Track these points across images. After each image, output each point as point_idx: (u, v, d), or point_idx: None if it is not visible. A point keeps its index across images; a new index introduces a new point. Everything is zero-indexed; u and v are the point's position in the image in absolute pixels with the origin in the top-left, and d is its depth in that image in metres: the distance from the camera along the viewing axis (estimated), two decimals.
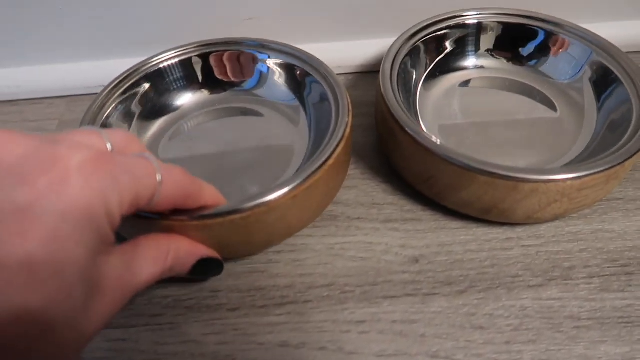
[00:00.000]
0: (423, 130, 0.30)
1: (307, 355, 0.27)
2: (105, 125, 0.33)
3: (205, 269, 0.27)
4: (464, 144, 0.34)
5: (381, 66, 0.34)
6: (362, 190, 0.34)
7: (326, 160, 0.28)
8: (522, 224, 0.32)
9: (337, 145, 0.29)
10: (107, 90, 0.34)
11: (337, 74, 0.34)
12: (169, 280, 0.29)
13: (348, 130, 0.30)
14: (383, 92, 0.32)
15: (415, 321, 0.28)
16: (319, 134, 0.33)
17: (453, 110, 0.36)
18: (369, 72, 0.43)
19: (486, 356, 0.26)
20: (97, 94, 0.38)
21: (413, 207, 0.33)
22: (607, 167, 0.27)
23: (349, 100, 0.32)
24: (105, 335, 0.28)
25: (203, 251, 0.27)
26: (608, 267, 0.30)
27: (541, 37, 0.37)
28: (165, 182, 0.22)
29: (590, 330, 0.27)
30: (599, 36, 0.35)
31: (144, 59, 0.38)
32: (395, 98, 0.32)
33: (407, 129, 0.30)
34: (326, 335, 0.27)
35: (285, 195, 0.27)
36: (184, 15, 0.39)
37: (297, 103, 0.36)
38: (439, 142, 0.32)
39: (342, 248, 0.31)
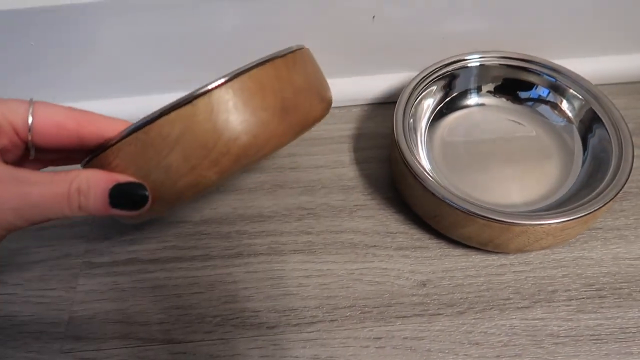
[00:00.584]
0: (430, 177, 0.35)
1: None
2: None
3: (126, 195, 0.26)
4: (468, 179, 0.39)
5: (394, 113, 0.39)
6: (378, 220, 0.40)
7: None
8: (514, 253, 0.37)
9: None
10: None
11: (353, 105, 0.39)
12: (216, 300, 0.35)
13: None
14: (396, 139, 0.37)
15: (422, 338, 0.34)
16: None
17: (457, 147, 0.41)
18: (382, 104, 0.47)
19: None
20: None
21: (422, 236, 0.39)
22: (585, 213, 0.33)
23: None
24: (167, 349, 0.34)
25: (118, 177, 0.26)
26: (585, 291, 0.35)
27: (540, 82, 0.42)
28: (37, 105, 0.27)
29: (566, 346, 0.33)
30: (592, 84, 0.40)
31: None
32: (407, 143, 0.37)
33: (417, 176, 0.35)
34: (350, 349, 0.34)
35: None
36: (197, 60, 0.43)
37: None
38: (445, 182, 0.38)
39: (361, 273, 0.37)
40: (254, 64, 0.27)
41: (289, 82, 0.28)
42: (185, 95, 0.25)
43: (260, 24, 0.41)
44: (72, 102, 0.29)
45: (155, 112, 0.25)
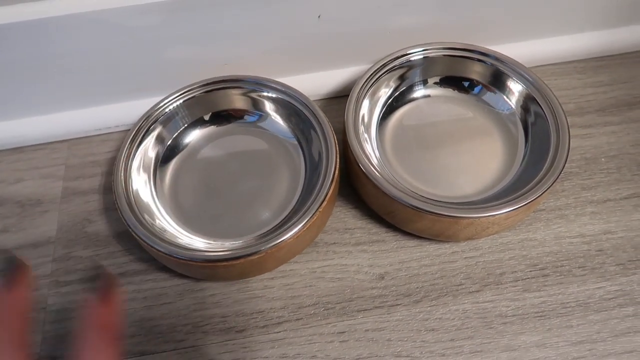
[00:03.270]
0: (382, 176, 0.37)
1: None
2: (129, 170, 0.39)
3: None
4: (420, 173, 0.41)
5: (345, 112, 0.40)
6: (336, 217, 0.41)
7: (322, 203, 0.35)
8: (465, 241, 0.40)
9: (329, 188, 0.36)
10: (130, 137, 0.40)
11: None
12: (185, 309, 0.36)
13: (337, 172, 0.37)
14: (348, 139, 0.38)
15: (383, 329, 0.36)
16: (313, 166, 0.40)
17: (408, 140, 0.42)
18: (335, 98, 0.48)
19: (436, 352, 0.35)
20: (94, 135, 0.45)
21: (378, 229, 0.40)
22: (526, 202, 0.35)
23: (336, 142, 0.38)
24: None
25: None
26: (530, 271, 0.38)
27: (483, 71, 0.43)
28: None
29: (513, 324, 0.36)
30: (533, 72, 0.41)
31: (134, 102, 0.44)
32: (359, 142, 0.38)
33: (369, 175, 0.36)
34: (315, 345, 0.36)
35: (292, 236, 0.34)
36: (167, 64, 0.43)
37: (295, 141, 0.43)
38: (397, 177, 0.39)
39: (322, 271, 0.39)
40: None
41: None
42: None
43: (210, 27, 0.41)
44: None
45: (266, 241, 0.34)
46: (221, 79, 0.42)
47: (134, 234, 0.36)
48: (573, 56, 0.49)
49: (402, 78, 0.44)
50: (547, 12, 0.46)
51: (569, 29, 0.48)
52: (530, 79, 0.41)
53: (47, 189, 0.44)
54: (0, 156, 0.47)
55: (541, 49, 0.48)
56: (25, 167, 0.46)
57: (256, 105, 0.43)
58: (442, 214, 0.35)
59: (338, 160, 0.38)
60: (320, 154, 0.39)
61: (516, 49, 0.46)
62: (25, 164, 0.46)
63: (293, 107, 0.42)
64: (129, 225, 0.36)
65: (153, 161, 0.41)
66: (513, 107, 0.43)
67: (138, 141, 0.40)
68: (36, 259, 0.40)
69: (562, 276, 0.38)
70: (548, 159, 0.37)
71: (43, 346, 0.36)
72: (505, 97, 0.43)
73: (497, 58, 0.43)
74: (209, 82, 0.42)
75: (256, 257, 0.34)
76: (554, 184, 0.36)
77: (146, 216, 0.38)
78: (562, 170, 0.36)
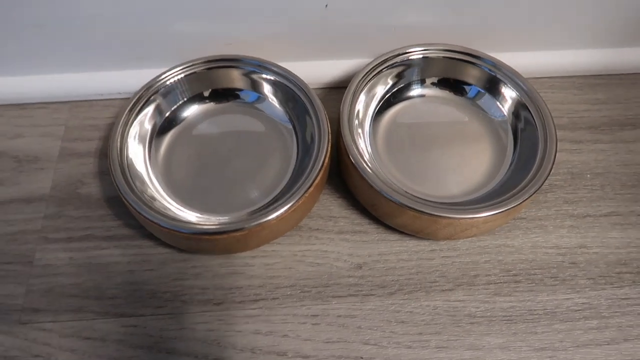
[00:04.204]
0: (370, 168, 0.38)
1: (274, 340, 0.36)
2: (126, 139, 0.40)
3: None
4: (408, 170, 0.42)
5: (341, 104, 0.40)
6: (322, 204, 0.42)
7: (308, 188, 0.36)
8: (444, 240, 0.41)
9: (318, 174, 0.37)
10: (130, 105, 0.41)
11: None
12: (167, 277, 0.38)
13: (327, 159, 0.38)
14: (341, 129, 0.39)
15: (354, 316, 0.37)
16: (305, 151, 0.41)
17: (401, 137, 0.43)
18: (334, 88, 0.49)
19: (403, 343, 0.36)
20: (96, 100, 0.46)
21: (362, 220, 0.42)
22: (505, 209, 0.36)
23: (329, 131, 0.39)
24: (120, 322, 0.37)
25: None
26: (503, 276, 0.39)
27: (481, 76, 0.44)
28: None
29: (480, 325, 0.37)
30: (528, 81, 0.42)
31: (137, 71, 0.45)
32: (351, 134, 0.39)
33: (357, 166, 0.37)
34: (288, 325, 0.37)
35: (276, 217, 0.35)
36: (173, 37, 0.44)
37: (289, 125, 0.43)
38: (386, 172, 0.40)
39: (303, 255, 0.40)
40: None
41: None
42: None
43: (219, 4, 0.41)
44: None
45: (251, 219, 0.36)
46: (223, 57, 0.43)
47: (124, 200, 0.37)
48: (573, 71, 0.50)
49: (400, 75, 0.45)
50: (551, 25, 0.46)
51: (572, 44, 0.48)
52: (525, 88, 0.42)
53: (45, 147, 0.45)
54: (2, 110, 0.47)
55: (542, 61, 0.49)
56: (26, 123, 0.46)
57: (255, 86, 0.44)
58: (422, 211, 0.36)
59: (329, 148, 0.39)
60: (312, 141, 0.40)
61: (517, 59, 0.46)
62: (26, 120, 0.47)
63: (291, 92, 0.42)
64: (120, 191, 0.37)
65: (150, 131, 0.42)
66: (505, 114, 0.43)
67: (137, 110, 0.41)
68: (28, 214, 0.41)
69: (534, 284, 0.39)
70: (533, 169, 0.38)
71: (27, 298, 0.38)
72: (499, 103, 0.44)
73: (495, 65, 0.43)
74: (211, 59, 0.43)
75: (240, 233, 0.35)
76: (535, 194, 0.37)
77: (138, 184, 0.39)
78: (544, 182, 0.37)
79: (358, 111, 0.42)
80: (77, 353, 0.36)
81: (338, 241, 0.41)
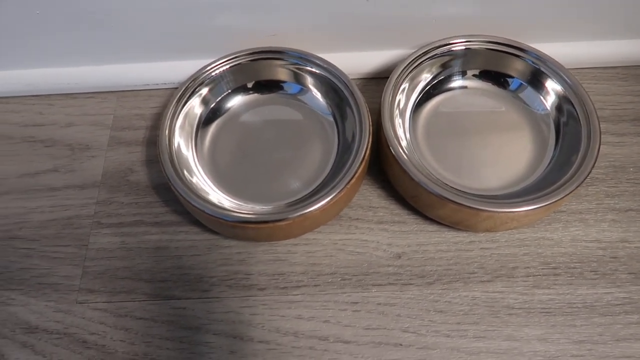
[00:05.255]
0: (411, 160, 0.38)
1: (316, 326, 0.38)
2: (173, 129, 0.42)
3: None
4: (448, 162, 0.42)
5: (382, 96, 0.41)
6: (362, 194, 0.43)
7: (350, 180, 0.37)
8: (483, 232, 0.41)
9: (359, 166, 0.38)
10: (177, 96, 0.42)
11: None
12: (213, 263, 0.39)
13: (368, 152, 0.39)
14: (382, 121, 0.40)
15: (394, 304, 0.38)
16: (346, 143, 0.42)
17: (441, 129, 0.44)
18: (373, 79, 0.49)
19: (442, 332, 0.37)
20: (142, 90, 0.47)
21: (401, 211, 0.42)
22: (547, 203, 0.36)
23: (370, 123, 0.40)
24: (169, 304, 0.39)
25: None
26: (542, 269, 0.39)
27: (524, 69, 0.44)
28: None
29: (519, 317, 0.38)
30: (572, 75, 0.42)
31: (181, 62, 0.46)
32: (392, 125, 0.40)
33: (398, 159, 0.38)
34: (329, 311, 0.38)
35: (318, 208, 0.36)
36: (218, 30, 0.45)
37: (331, 117, 0.44)
38: (426, 164, 0.41)
39: (343, 244, 0.41)
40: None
41: None
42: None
43: (263, 2, 0.42)
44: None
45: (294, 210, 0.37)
46: (267, 49, 0.44)
47: (173, 188, 0.38)
48: (617, 62, 0.49)
49: (442, 67, 0.45)
50: (595, 15, 0.46)
51: (616, 33, 0.47)
52: (569, 82, 0.42)
53: (95, 136, 0.47)
54: (54, 100, 0.50)
55: (585, 52, 0.48)
56: (77, 112, 0.49)
57: (298, 78, 0.45)
58: (463, 204, 0.36)
59: (370, 140, 0.39)
60: (354, 133, 0.41)
61: (559, 49, 0.46)
62: (77, 109, 0.49)
63: (333, 85, 0.43)
64: (169, 179, 0.38)
65: (196, 121, 0.44)
66: (548, 107, 0.43)
67: (184, 101, 0.43)
68: (82, 200, 0.43)
69: (573, 277, 0.39)
70: (575, 164, 0.38)
71: (83, 279, 0.40)
72: (541, 97, 0.43)
73: (539, 57, 0.43)
74: (255, 51, 0.44)
75: (284, 223, 0.37)
76: (577, 189, 0.37)
77: (185, 172, 0.40)
78: (587, 177, 0.37)
79: (399, 101, 0.43)
80: (131, 332, 0.38)
81: (377, 231, 0.41)
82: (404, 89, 0.43)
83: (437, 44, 0.43)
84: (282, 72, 0.45)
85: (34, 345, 0.38)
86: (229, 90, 0.45)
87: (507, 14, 0.45)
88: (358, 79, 0.49)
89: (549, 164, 0.41)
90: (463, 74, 0.45)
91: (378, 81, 0.49)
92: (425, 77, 0.45)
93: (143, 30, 0.45)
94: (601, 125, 0.40)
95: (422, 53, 0.43)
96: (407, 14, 0.44)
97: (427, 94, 0.45)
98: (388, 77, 0.42)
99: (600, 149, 0.39)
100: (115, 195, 0.44)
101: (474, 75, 0.45)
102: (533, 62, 0.43)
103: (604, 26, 0.47)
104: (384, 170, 0.43)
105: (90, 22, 0.44)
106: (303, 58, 0.44)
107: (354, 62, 0.48)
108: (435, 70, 0.45)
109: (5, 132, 0.48)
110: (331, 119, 0.44)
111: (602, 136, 0.41)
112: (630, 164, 0.44)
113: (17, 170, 0.45)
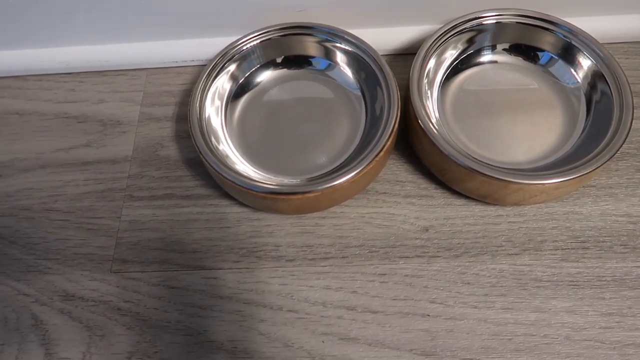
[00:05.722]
0: (439, 133, 0.38)
1: (344, 296, 0.38)
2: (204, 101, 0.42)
3: None
4: (476, 135, 0.42)
5: (411, 69, 0.41)
6: (389, 169, 0.43)
7: (378, 153, 0.38)
8: (511, 206, 0.41)
9: (387, 139, 0.38)
10: (207, 71, 0.43)
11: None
12: (242, 235, 0.40)
13: (396, 126, 0.39)
14: (411, 95, 0.40)
15: (421, 276, 0.39)
16: (374, 118, 0.42)
17: (469, 102, 0.43)
18: (402, 54, 0.49)
19: (469, 303, 0.38)
20: (171, 67, 0.48)
21: (428, 185, 0.42)
22: (577, 175, 0.36)
23: (399, 97, 0.40)
24: (200, 274, 0.40)
25: None
26: (570, 242, 0.39)
27: (555, 42, 0.43)
28: None
29: (547, 289, 0.38)
30: (605, 49, 0.41)
31: (210, 39, 0.47)
32: (421, 99, 0.40)
33: (426, 132, 0.38)
34: (357, 282, 0.39)
35: (347, 180, 0.37)
36: (245, 5, 0.45)
37: (359, 93, 0.44)
38: (454, 137, 0.41)
39: (371, 217, 0.41)
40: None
41: None
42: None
43: None
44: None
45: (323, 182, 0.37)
46: (297, 24, 0.44)
47: (204, 161, 0.39)
48: None
49: (471, 41, 0.44)
50: None
51: None
52: (602, 55, 0.41)
53: (126, 112, 0.48)
54: (85, 77, 0.51)
55: (617, 26, 0.47)
56: (108, 89, 0.50)
57: (327, 54, 0.45)
58: (493, 177, 0.36)
59: (399, 114, 0.39)
60: (382, 108, 0.41)
61: (591, 23, 0.45)
62: (108, 87, 0.50)
63: (362, 60, 0.43)
64: (200, 152, 0.39)
65: (225, 96, 0.44)
66: (579, 81, 0.43)
67: (214, 76, 0.43)
68: (114, 174, 0.44)
69: (602, 251, 0.39)
70: (607, 137, 0.38)
71: (117, 250, 0.41)
72: (573, 70, 0.43)
73: (571, 30, 0.42)
74: (285, 26, 0.44)
75: (312, 195, 0.37)
76: (608, 162, 0.36)
77: (216, 145, 0.41)
78: (618, 150, 0.37)
79: (427, 76, 0.43)
80: (164, 300, 0.39)
81: (405, 205, 0.42)
82: (433, 63, 0.43)
83: (467, 18, 0.43)
84: (311, 47, 0.45)
85: (71, 312, 0.39)
86: (259, 65, 0.45)
87: None
88: (386, 55, 0.49)
89: (579, 137, 0.41)
90: (493, 48, 0.45)
91: (406, 57, 0.49)
92: (454, 52, 0.44)
93: (172, 7, 0.45)
94: (634, 100, 0.39)
95: (451, 27, 0.43)
96: None
97: (456, 69, 0.45)
98: (416, 53, 0.42)
99: (633, 123, 0.38)
100: (146, 169, 0.45)
101: (504, 50, 0.45)
102: (564, 36, 0.43)
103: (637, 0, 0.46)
104: (412, 144, 0.43)
105: (119, 1, 0.44)
106: (332, 33, 0.44)
107: (383, 37, 0.48)
108: (464, 44, 0.44)
109: (39, 109, 0.49)
110: (359, 93, 0.44)
111: (634, 110, 0.40)
112: None
113: (51, 145, 0.47)
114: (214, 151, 0.39)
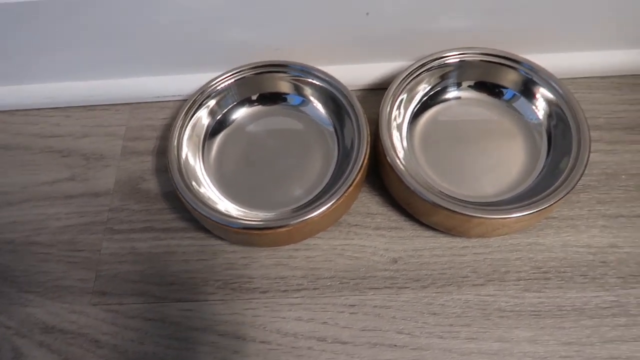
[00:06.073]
0: (406, 169, 0.40)
1: (315, 327, 0.40)
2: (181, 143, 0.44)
3: None
4: (444, 169, 0.44)
5: (380, 106, 0.43)
6: (361, 201, 0.45)
7: (348, 188, 0.39)
8: (476, 238, 0.43)
9: (357, 174, 0.40)
10: (185, 108, 0.45)
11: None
12: (218, 267, 0.41)
13: (366, 161, 0.41)
14: (379, 131, 0.42)
15: (389, 307, 0.40)
16: (345, 152, 0.44)
17: (437, 138, 0.45)
18: (373, 90, 0.51)
19: (435, 334, 0.39)
20: (153, 102, 0.50)
21: (398, 217, 0.44)
22: (537, 209, 0.38)
23: (368, 133, 0.42)
24: (177, 306, 0.41)
25: None
26: (533, 273, 0.41)
27: (517, 79, 0.45)
28: None
29: (509, 319, 0.39)
30: (564, 86, 0.43)
31: (191, 75, 0.49)
32: (389, 135, 0.42)
33: (394, 167, 0.40)
34: (328, 313, 0.40)
35: (318, 215, 0.39)
36: (225, 44, 0.47)
37: (331, 128, 0.46)
38: (422, 172, 0.43)
39: (342, 249, 0.43)
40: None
41: None
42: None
43: (267, 14, 0.45)
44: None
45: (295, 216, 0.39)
46: (270, 63, 0.46)
47: (180, 197, 0.41)
48: (611, 71, 0.50)
49: (438, 78, 0.46)
50: (589, 26, 0.47)
51: (610, 43, 0.49)
52: (561, 91, 0.43)
53: (109, 146, 0.50)
54: (71, 111, 0.52)
55: (580, 62, 0.49)
56: (92, 124, 0.51)
57: (300, 90, 0.47)
58: (455, 211, 0.38)
59: (368, 150, 0.41)
60: (352, 142, 0.43)
61: (555, 60, 0.47)
62: (92, 121, 0.51)
63: (333, 96, 0.45)
64: (177, 188, 0.41)
65: (203, 132, 0.46)
66: (541, 117, 0.45)
67: (192, 113, 0.45)
68: (96, 207, 0.46)
69: (563, 281, 0.40)
70: (565, 171, 0.40)
71: (96, 282, 0.42)
72: (534, 106, 0.45)
73: (532, 67, 0.44)
74: (258, 65, 0.46)
75: (285, 229, 0.39)
76: (568, 196, 0.38)
77: (193, 181, 0.42)
78: (575, 185, 0.38)
79: (396, 113, 0.45)
80: (141, 332, 0.40)
81: (375, 237, 0.43)
82: (402, 100, 0.45)
83: (433, 57, 0.45)
84: (284, 85, 0.47)
85: (50, 344, 0.40)
86: (235, 103, 0.47)
87: (502, 26, 0.46)
88: (359, 90, 0.51)
89: (541, 171, 0.43)
90: (458, 85, 0.47)
91: (378, 92, 0.51)
92: (423, 88, 0.47)
93: (155, 45, 0.48)
94: (595, 134, 0.41)
95: (419, 66, 0.45)
96: (405, 28, 0.46)
97: (425, 105, 0.47)
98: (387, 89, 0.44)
99: (594, 156, 0.40)
100: (127, 202, 0.46)
101: (469, 86, 0.47)
102: (526, 73, 0.45)
103: (597, 37, 0.48)
104: (382, 178, 0.45)
105: (105, 38, 0.46)
106: (304, 71, 0.46)
107: (355, 74, 0.50)
108: (432, 81, 0.46)
109: (25, 143, 0.51)
110: (331, 128, 0.46)
111: (595, 144, 0.42)
112: (622, 172, 0.45)
113: (36, 179, 0.48)
114: (190, 187, 0.41)
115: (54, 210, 0.46)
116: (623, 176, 0.45)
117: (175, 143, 0.43)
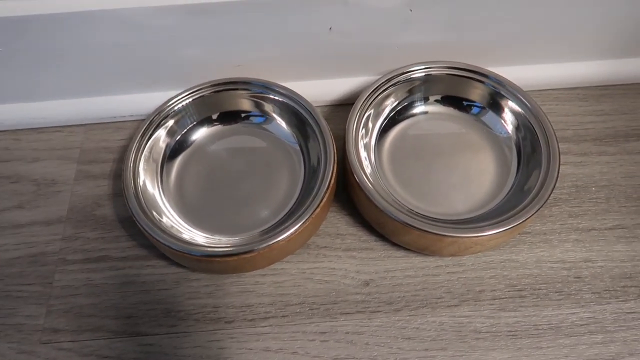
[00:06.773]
0: (375, 188, 0.39)
1: (284, 357, 0.37)
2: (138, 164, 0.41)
3: None
4: (414, 187, 0.42)
5: (347, 124, 0.41)
6: (330, 221, 0.43)
7: (315, 209, 0.38)
8: (449, 257, 0.41)
9: (325, 194, 0.38)
10: (142, 130, 0.42)
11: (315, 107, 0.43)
12: (180, 296, 0.39)
13: (333, 181, 0.39)
14: (347, 149, 0.40)
15: (362, 333, 0.38)
16: (312, 170, 0.42)
17: (406, 155, 0.44)
18: (340, 105, 0.50)
19: (410, 359, 0.37)
20: (108, 123, 0.47)
21: (368, 237, 0.42)
22: (509, 226, 0.37)
23: (335, 151, 0.40)
24: (136, 341, 0.38)
25: None
26: (508, 291, 0.40)
27: (484, 92, 0.45)
28: None
29: (486, 341, 0.38)
30: (532, 99, 0.43)
31: (148, 94, 0.46)
32: (356, 154, 0.40)
33: (362, 187, 0.38)
34: (297, 342, 0.38)
35: (284, 239, 0.36)
36: (183, 62, 0.45)
37: (297, 146, 0.45)
38: (391, 191, 0.41)
39: (312, 272, 0.41)
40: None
41: None
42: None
43: (226, 31, 0.43)
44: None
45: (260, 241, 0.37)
46: (230, 80, 0.44)
47: (137, 224, 0.38)
48: (577, 83, 0.50)
49: (405, 93, 0.45)
50: (554, 38, 0.47)
51: (576, 55, 0.49)
52: (529, 105, 0.42)
53: (61, 170, 0.47)
54: (21, 135, 0.49)
55: (546, 74, 0.49)
56: (43, 147, 0.48)
57: (262, 108, 0.45)
58: (427, 231, 0.37)
59: (335, 169, 0.40)
60: (319, 161, 0.41)
61: (521, 72, 0.47)
62: (44, 144, 0.48)
63: (297, 113, 0.43)
64: (133, 215, 0.38)
65: (161, 155, 0.44)
66: (509, 130, 0.44)
67: (149, 134, 0.43)
68: (47, 236, 0.43)
69: (539, 299, 0.39)
70: (536, 186, 0.39)
71: (47, 318, 0.39)
72: (502, 120, 0.44)
73: (498, 81, 0.44)
74: (218, 82, 0.44)
75: (249, 255, 0.37)
76: (540, 210, 0.37)
77: (150, 207, 0.40)
78: (547, 199, 0.38)
79: (363, 130, 0.43)
80: None
81: (345, 258, 0.42)
82: (369, 115, 0.44)
83: (399, 72, 0.44)
84: (245, 103, 0.45)
85: None
86: (194, 123, 0.45)
87: (467, 40, 0.46)
88: (324, 106, 0.50)
89: (512, 186, 0.42)
90: (425, 99, 0.46)
91: (344, 107, 0.49)
92: (390, 103, 0.45)
93: (110, 64, 0.45)
94: (563, 146, 0.41)
95: (385, 80, 0.44)
96: (369, 42, 0.45)
97: (392, 121, 0.46)
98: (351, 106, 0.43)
99: (563, 169, 0.40)
100: (81, 230, 0.43)
101: (436, 101, 0.46)
102: (493, 86, 0.44)
103: (564, 48, 0.48)
104: (351, 196, 0.43)
105: (57, 58, 0.44)
106: (267, 87, 0.44)
107: (320, 89, 0.49)
108: (399, 96, 0.45)
109: None
110: (297, 147, 0.44)
111: (564, 157, 0.41)
112: (592, 184, 0.45)
113: None
114: (147, 213, 0.39)
115: (0, 241, 0.43)
116: (593, 188, 0.44)
117: (132, 166, 0.41)
